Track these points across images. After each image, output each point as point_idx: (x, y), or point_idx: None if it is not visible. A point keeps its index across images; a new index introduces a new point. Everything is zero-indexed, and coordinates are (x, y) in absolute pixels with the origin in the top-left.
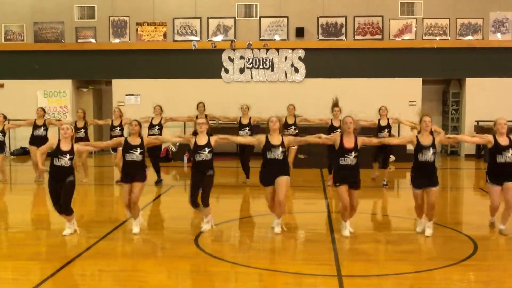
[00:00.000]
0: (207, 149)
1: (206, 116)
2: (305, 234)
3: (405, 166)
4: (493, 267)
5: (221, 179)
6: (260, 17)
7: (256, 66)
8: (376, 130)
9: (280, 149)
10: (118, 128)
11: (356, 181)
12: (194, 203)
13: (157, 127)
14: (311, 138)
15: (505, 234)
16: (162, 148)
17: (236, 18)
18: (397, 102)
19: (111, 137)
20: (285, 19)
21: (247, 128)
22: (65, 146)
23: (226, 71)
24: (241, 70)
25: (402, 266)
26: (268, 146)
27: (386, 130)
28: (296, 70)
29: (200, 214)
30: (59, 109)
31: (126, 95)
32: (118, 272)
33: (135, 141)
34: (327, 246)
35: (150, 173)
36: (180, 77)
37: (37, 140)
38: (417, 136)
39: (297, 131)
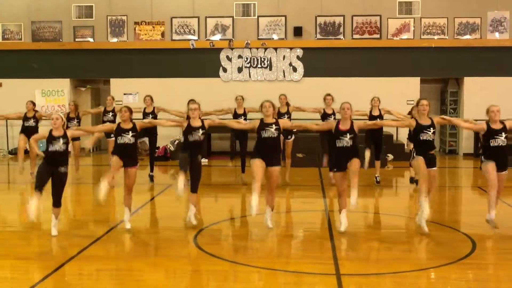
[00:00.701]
0: (200, 130)
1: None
2: (303, 233)
3: (404, 165)
4: (491, 266)
5: (219, 178)
6: (258, 16)
7: (254, 65)
8: (368, 120)
9: (274, 127)
10: (110, 114)
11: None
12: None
13: (150, 116)
14: (308, 124)
15: (493, 226)
16: (161, 147)
17: (234, 17)
18: (395, 101)
19: (103, 122)
20: (283, 18)
21: (243, 118)
22: (57, 133)
23: (224, 70)
24: (239, 69)
25: (400, 265)
26: (262, 125)
27: (379, 119)
28: (294, 69)
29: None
30: (57, 108)
31: (124, 94)
32: (116, 271)
33: (127, 125)
34: (326, 245)
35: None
36: (178, 76)
37: (28, 130)
38: (415, 119)
39: (290, 120)
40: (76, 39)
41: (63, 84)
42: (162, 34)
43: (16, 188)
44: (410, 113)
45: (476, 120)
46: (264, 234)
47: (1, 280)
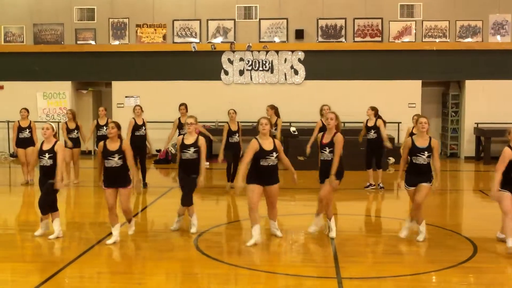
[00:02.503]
0: (192, 148)
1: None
2: (304, 236)
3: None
4: (493, 270)
5: (220, 182)
6: (260, 19)
7: (256, 68)
8: (365, 130)
9: (274, 155)
10: (104, 128)
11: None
12: (189, 203)
13: (143, 128)
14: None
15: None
16: (162, 150)
17: (236, 20)
18: (396, 104)
19: (98, 136)
20: (285, 21)
21: (237, 135)
22: (45, 146)
23: (226, 73)
24: (241, 72)
25: (401, 269)
26: (262, 153)
27: (373, 131)
28: (296, 72)
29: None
30: (59, 110)
31: (126, 96)
32: (117, 274)
33: (114, 145)
34: (327, 248)
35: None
36: (180, 79)
37: (23, 142)
38: (412, 138)
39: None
40: (78, 42)
41: (65, 87)
42: (164, 37)
43: (17, 191)
44: (411, 133)
45: (478, 124)
46: (264, 238)
47: (2, 283)
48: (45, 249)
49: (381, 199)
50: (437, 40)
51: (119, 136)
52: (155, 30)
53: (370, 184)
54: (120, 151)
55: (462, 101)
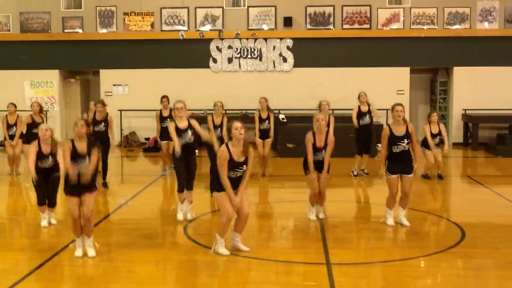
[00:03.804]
0: (189, 131)
1: (171, 109)
2: (294, 223)
3: None
4: (481, 254)
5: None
6: (248, 7)
7: (244, 56)
8: (357, 116)
9: (244, 167)
10: (102, 124)
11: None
12: (183, 189)
13: (102, 124)
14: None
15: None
16: (151, 138)
17: (224, 7)
18: (385, 91)
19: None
20: (273, 8)
21: (219, 130)
22: (45, 149)
23: (214, 60)
24: (229, 60)
25: (390, 254)
26: (233, 164)
27: (368, 116)
28: (284, 60)
29: (186, 198)
30: (47, 99)
31: (114, 85)
32: (107, 263)
33: (82, 146)
34: (316, 235)
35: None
36: (168, 67)
37: (11, 138)
38: (389, 126)
39: (269, 123)
40: (65, 30)
41: (52, 76)
42: (152, 25)
43: (4, 180)
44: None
45: (466, 110)
46: (254, 225)
47: None
48: (35, 238)
49: (369, 185)
50: (425, 27)
51: (88, 136)
52: (143, 18)
53: (354, 171)
54: (89, 151)
55: (450, 88)
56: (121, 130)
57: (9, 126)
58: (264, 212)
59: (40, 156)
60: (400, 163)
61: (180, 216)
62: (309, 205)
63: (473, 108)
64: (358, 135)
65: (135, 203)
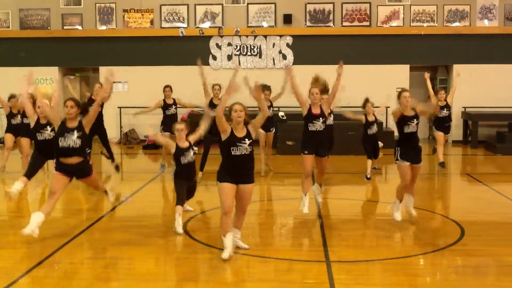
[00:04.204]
0: (191, 151)
1: (174, 100)
2: (293, 220)
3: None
4: (481, 252)
5: (209, 167)
6: (248, 4)
7: (244, 53)
8: (365, 126)
9: (247, 142)
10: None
11: (325, 148)
12: (182, 203)
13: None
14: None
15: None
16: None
17: (224, 4)
18: (384, 89)
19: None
20: (273, 5)
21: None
22: (43, 120)
23: (214, 58)
24: (229, 57)
25: (390, 252)
26: (233, 140)
27: (375, 125)
28: (284, 57)
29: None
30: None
31: (114, 82)
32: (106, 259)
33: (73, 123)
34: (316, 232)
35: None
36: (168, 64)
37: (15, 130)
38: (399, 109)
39: (271, 108)
40: (65, 27)
41: (52, 72)
42: (151, 22)
43: (2, 177)
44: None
45: (465, 108)
46: (254, 222)
47: None
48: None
49: (369, 183)
50: (425, 24)
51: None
52: (143, 15)
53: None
54: (80, 128)
55: (450, 85)
56: (121, 127)
57: (12, 115)
58: (264, 209)
59: (37, 127)
60: (411, 151)
61: (179, 230)
62: (302, 195)
63: (473, 106)
64: (366, 145)
65: (135, 200)
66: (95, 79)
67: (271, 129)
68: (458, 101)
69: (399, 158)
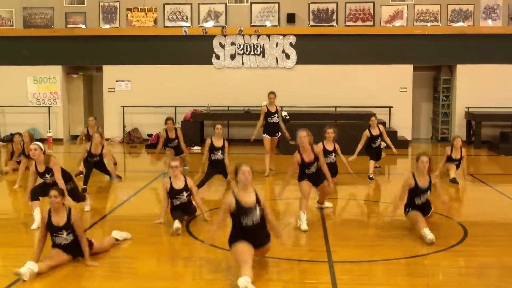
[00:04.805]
0: (185, 193)
1: (176, 130)
2: (295, 220)
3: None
4: (483, 253)
5: None
6: (251, 3)
7: (247, 52)
8: (369, 140)
9: (258, 208)
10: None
11: (321, 181)
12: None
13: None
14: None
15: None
16: (154, 134)
17: (227, 4)
18: (388, 89)
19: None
20: (276, 5)
21: (220, 152)
22: (40, 168)
23: (217, 57)
24: (232, 56)
25: (392, 252)
26: (241, 209)
27: (380, 139)
28: (287, 56)
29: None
30: (49, 95)
31: (117, 81)
32: (109, 259)
33: (60, 220)
34: (318, 233)
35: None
36: (171, 63)
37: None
38: (413, 175)
39: (278, 116)
40: (68, 26)
41: (55, 71)
42: (155, 21)
43: (6, 177)
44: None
45: (469, 108)
46: None
47: None
48: (34, 234)
49: (372, 183)
50: (429, 24)
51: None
52: (146, 14)
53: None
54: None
55: (453, 86)
56: (124, 126)
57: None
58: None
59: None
60: (421, 211)
61: (177, 225)
62: (300, 213)
63: (476, 106)
64: (370, 156)
65: (137, 199)
66: (99, 78)
67: (277, 134)
68: (461, 101)
69: (409, 210)
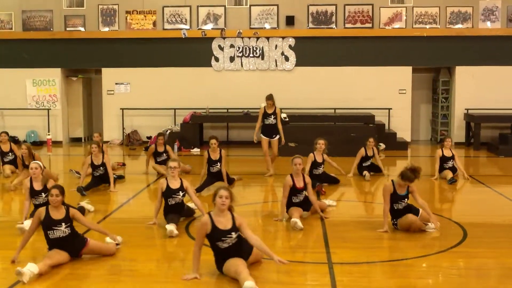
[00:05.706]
0: (181, 193)
1: (165, 148)
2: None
3: (395, 154)
4: (483, 254)
5: None
6: (250, 6)
7: (246, 55)
8: (363, 159)
9: (234, 234)
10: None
11: (309, 208)
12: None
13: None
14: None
15: None
16: (153, 136)
17: (226, 6)
18: (387, 91)
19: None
20: (275, 7)
21: (218, 164)
22: (37, 186)
23: (216, 59)
24: (231, 59)
25: (391, 253)
26: (217, 232)
27: (370, 160)
28: (286, 59)
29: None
30: (49, 98)
31: (116, 83)
32: (109, 260)
33: (59, 214)
34: (318, 234)
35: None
36: (170, 66)
37: (8, 164)
38: (393, 183)
39: (275, 118)
40: (67, 29)
41: (55, 74)
42: (154, 23)
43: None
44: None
45: (468, 110)
46: (255, 224)
47: None
48: (35, 236)
49: (370, 184)
50: (428, 26)
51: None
52: (145, 16)
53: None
54: (67, 219)
55: (452, 87)
56: (123, 128)
57: (3, 153)
58: (265, 211)
59: (32, 193)
60: (406, 213)
61: (171, 227)
62: (292, 219)
63: (475, 108)
64: (361, 172)
65: (137, 201)
66: (98, 81)
67: (274, 136)
68: (460, 103)
69: (394, 222)
